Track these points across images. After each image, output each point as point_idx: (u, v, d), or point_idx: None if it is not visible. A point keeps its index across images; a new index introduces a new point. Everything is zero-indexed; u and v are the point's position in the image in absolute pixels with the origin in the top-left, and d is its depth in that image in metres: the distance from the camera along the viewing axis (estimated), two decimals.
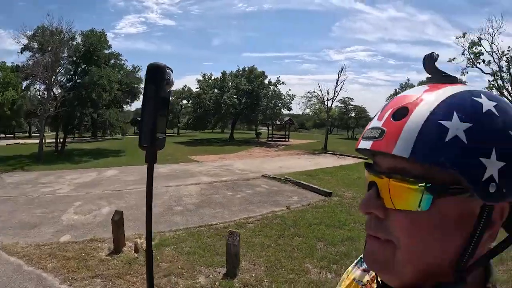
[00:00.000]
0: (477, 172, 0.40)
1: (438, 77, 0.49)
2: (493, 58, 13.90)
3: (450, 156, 0.40)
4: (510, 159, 0.41)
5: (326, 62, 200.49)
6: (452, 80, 0.49)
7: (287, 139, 34.32)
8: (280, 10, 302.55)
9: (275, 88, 34.70)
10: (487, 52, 13.98)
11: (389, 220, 0.47)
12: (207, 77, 35.97)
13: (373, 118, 0.50)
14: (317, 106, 32.33)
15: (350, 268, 0.73)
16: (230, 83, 33.97)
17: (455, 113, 0.42)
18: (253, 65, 35.91)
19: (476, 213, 0.43)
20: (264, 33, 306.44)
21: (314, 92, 30.64)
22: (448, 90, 0.45)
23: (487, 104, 0.43)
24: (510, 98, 13.76)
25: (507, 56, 13.87)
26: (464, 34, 14.60)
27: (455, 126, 0.41)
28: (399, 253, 0.46)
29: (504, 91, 13.68)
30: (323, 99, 28.73)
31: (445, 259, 0.45)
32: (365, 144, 0.48)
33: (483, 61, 14.10)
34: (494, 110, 0.43)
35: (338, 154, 21.52)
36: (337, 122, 50.08)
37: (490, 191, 0.40)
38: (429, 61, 0.50)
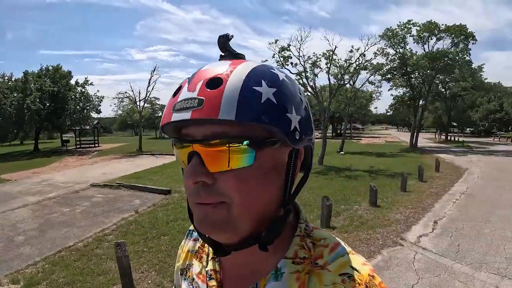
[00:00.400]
0: (287, 124, 0.49)
1: (230, 55, 0.55)
2: (300, 61, 16.85)
3: (267, 114, 0.47)
4: (302, 113, 0.53)
5: (128, 62, 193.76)
6: (242, 57, 0.56)
7: (97, 145, 31.30)
8: (83, 4, 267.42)
9: (83, 90, 31.47)
10: (295, 56, 16.80)
11: (218, 184, 0.49)
12: (6, 77, 28.71)
13: (176, 92, 0.52)
14: (129, 107, 31.39)
15: (182, 243, 0.76)
16: (32, 85, 28.21)
17: (262, 81, 0.49)
18: (59, 64, 31.23)
19: (285, 159, 0.53)
20: (64, 28, 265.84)
21: (126, 92, 29.62)
22: (249, 64, 0.51)
23: (281, 75, 0.53)
24: (313, 92, 17.23)
25: (312, 59, 17.08)
26: (276, 41, 17.00)
27: (266, 91, 0.48)
28: (233, 210, 0.50)
29: (308, 87, 16.95)
30: (135, 100, 28.30)
31: (272, 201, 0.54)
32: (181, 116, 0.48)
33: (291, 63, 16.87)
34: (286, 79, 0.53)
35: (155, 154, 21.90)
36: (144, 123, 49.99)
37: (296, 138, 0.50)
38: (225, 40, 0.55)
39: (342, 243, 0.58)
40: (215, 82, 0.48)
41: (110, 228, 6.76)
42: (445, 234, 5.91)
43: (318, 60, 16.86)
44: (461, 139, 35.92)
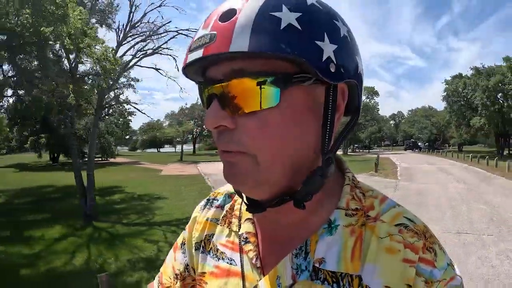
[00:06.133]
0: (316, 53, 0.42)
1: None
2: None
3: (289, 41, 0.40)
4: (340, 42, 0.45)
5: None
6: None
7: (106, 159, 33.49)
8: None
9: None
10: None
11: (238, 129, 0.45)
12: None
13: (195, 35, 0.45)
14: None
15: (197, 214, 0.69)
16: None
17: (283, 5, 0.42)
18: None
19: (322, 99, 0.46)
20: None
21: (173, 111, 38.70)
22: None
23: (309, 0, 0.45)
24: None
25: None
26: None
27: (287, 16, 0.41)
28: (261, 159, 0.45)
29: None
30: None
31: (309, 149, 0.47)
32: (195, 55, 0.43)
33: None
34: (316, 3, 0.45)
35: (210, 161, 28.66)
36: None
37: (332, 71, 0.43)
38: None
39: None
40: (229, 14, 0.42)
41: None
42: (405, 163, 23.39)
43: None
44: (361, 150, 57.64)
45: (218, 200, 0.68)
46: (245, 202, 0.54)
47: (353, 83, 0.48)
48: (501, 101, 30.12)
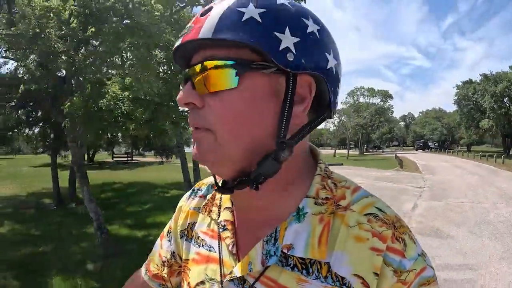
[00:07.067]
0: (273, 42, 0.46)
1: None
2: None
3: (247, 31, 0.46)
4: (303, 36, 0.49)
5: None
6: None
7: (130, 159, 32.19)
8: None
9: None
10: None
11: (206, 107, 0.50)
12: None
13: None
14: None
15: (182, 203, 0.74)
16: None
17: (250, 3, 0.48)
18: None
19: (283, 88, 0.49)
20: None
21: None
22: None
23: (283, 0, 0.50)
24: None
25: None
26: None
27: (251, 11, 0.47)
28: (219, 138, 0.49)
29: None
30: None
31: (267, 133, 0.50)
32: (178, 43, 0.51)
33: None
34: (287, 4, 0.50)
35: None
36: None
37: (289, 59, 0.47)
38: None
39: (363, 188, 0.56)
40: (206, 11, 0.50)
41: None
42: (423, 161, 26.56)
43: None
44: (374, 150, 60.80)
45: (202, 191, 0.72)
46: (215, 183, 0.58)
47: (320, 78, 0.50)
48: (507, 105, 33.18)
